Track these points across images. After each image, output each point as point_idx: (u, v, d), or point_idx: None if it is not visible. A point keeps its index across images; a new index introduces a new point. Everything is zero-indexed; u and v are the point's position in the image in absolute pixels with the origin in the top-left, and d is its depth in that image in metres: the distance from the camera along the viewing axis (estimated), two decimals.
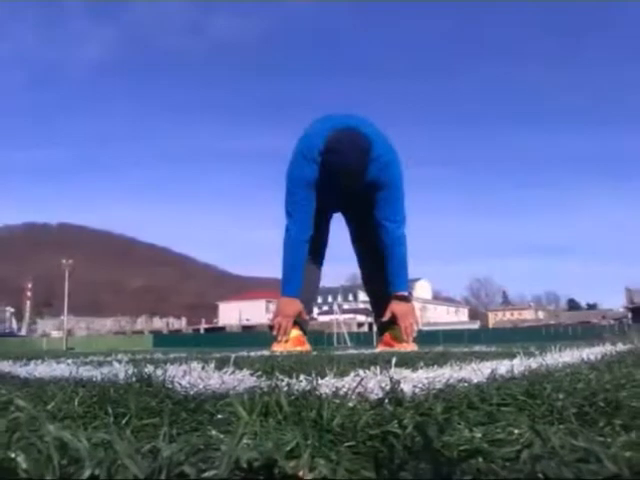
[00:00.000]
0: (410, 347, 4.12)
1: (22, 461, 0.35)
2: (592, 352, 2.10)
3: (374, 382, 0.91)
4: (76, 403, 0.83)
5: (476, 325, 57.45)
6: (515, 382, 0.98)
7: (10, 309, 76.39)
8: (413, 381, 0.99)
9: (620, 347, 2.59)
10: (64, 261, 48.46)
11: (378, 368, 1.14)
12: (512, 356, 1.84)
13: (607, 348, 2.41)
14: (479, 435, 0.54)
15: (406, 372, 1.16)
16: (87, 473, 0.34)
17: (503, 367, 1.31)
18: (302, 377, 1.04)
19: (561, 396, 0.81)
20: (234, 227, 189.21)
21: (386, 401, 0.77)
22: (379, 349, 4.28)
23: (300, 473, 0.34)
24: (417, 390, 0.88)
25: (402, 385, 0.87)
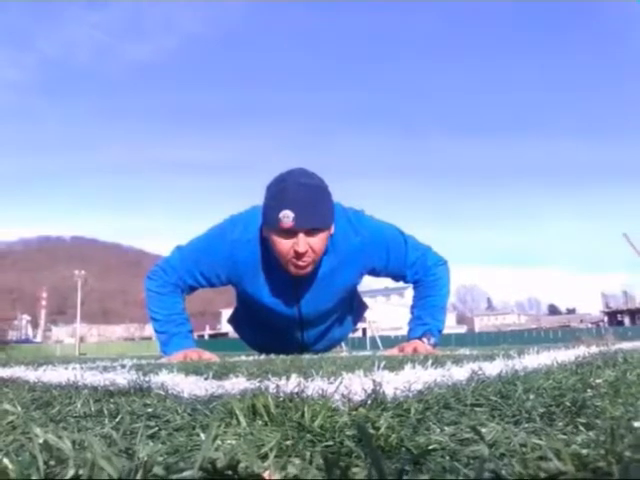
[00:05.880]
0: (425, 349, 3.21)
1: (8, 463, 0.34)
2: (567, 354, 2.09)
3: (358, 384, 0.90)
4: (79, 406, 0.82)
5: (463, 329, 57.29)
6: (489, 383, 0.97)
7: (26, 317, 76.44)
8: (396, 383, 0.98)
9: (594, 349, 2.58)
10: (77, 272, 48.35)
11: (362, 371, 1.13)
12: (492, 359, 1.84)
13: (582, 350, 2.41)
14: (448, 435, 0.54)
15: (390, 375, 1.15)
16: (71, 473, 0.34)
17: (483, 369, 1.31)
18: (292, 379, 1.04)
19: (531, 397, 0.80)
20: None
21: (368, 402, 0.76)
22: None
23: (266, 473, 0.34)
24: (398, 392, 0.87)
25: (384, 387, 0.86)
